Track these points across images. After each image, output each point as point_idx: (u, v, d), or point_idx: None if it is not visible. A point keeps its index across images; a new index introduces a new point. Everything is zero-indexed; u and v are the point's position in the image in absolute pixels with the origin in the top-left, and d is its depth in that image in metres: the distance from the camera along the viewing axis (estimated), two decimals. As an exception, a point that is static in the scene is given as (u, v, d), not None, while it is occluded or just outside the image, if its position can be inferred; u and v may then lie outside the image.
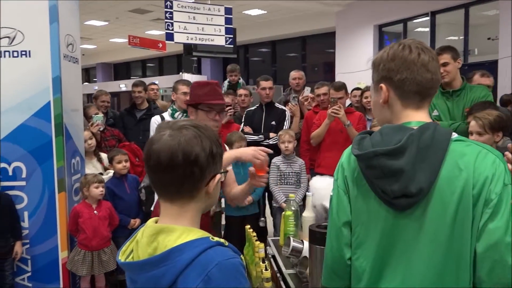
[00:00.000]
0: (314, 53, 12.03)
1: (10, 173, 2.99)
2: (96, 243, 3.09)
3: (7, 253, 2.95)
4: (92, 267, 3.08)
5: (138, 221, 3.44)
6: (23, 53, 2.95)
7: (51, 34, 2.96)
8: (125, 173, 3.49)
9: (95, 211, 3.15)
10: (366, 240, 1.11)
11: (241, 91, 4.58)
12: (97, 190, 3.14)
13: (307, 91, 4.47)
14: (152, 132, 3.59)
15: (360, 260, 1.11)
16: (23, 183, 3.02)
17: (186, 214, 1.01)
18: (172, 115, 3.17)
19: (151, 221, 1.04)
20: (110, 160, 3.52)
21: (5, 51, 2.94)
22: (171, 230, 0.96)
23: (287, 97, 4.74)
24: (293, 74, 4.79)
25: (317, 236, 1.50)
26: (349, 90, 4.25)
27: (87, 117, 4.01)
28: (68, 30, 3.17)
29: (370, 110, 4.06)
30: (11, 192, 3.01)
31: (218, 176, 1.03)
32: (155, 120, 3.53)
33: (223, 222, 3.83)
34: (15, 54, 2.95)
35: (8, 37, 2.93)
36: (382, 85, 1.13)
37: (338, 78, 8.97)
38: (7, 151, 2.97)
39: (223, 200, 3.35)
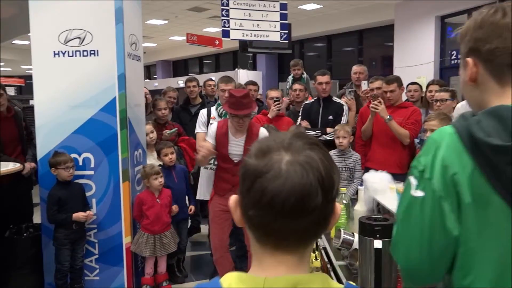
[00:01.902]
0: (371, 47, 11.74)
1: (80, 163, 3.26)
2: (158, 228, 3.33)
3: (81, 238, 3.22)
4: (155, 249, 3.31)
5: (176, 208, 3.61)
6: (92, 52, 3.19)
7: (116, 34, 3.17)
8: (172, 165, 3.66)
9: (158, 200, 3.37)
10: (482, 260, 0.87)
11: (295, 86, 4.61)
12: (156, 182, 3.34)
13: (364, 85, 4.41)
14: (199, 125, 3.79)
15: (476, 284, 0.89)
16: (92, 172, 3.27)
17: (305, 260, 0.73)
18: (217, 109, 3.61)
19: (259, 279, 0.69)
20: (158, 152, 3.70)
21: (76, 51, 3.19)
22: (308, 282, 0.69)
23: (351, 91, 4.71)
24: (355, 68, 4.74)
25: (367, 228, 1.52)
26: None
27: (156, 109, 4.21)
28: (131, 30, 3.37)
29: (433, 104, 3.89)
30: (81, 181, 3.27)
31: (338, 207, 0.74)
32: (202, 113, 3.74)
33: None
34: (85, 53, 3.20)
35: (79, 37, 3.18)
36: (469, 59, 0.94)
37: (397, 72, 8.71)
38: (78, 143, 3.23)
39: None
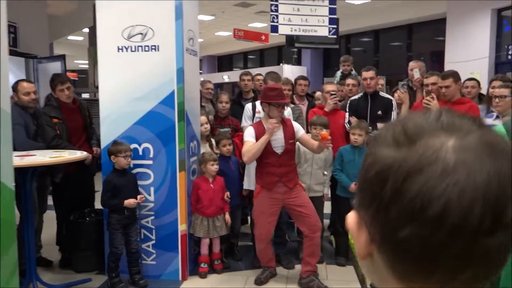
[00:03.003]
0: (421, 42, 11.40)
1: (140, 153, 3.43)
2: (211, 211, 3.50)
3: (133, 222, 3.40)
4: (208, 231, 3.50)
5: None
6: (153, 47, 3.34)
7: (176, 30, 3.31)
8: (229, 155, 3.80)
9: (211, 185, 3.53)
10: None
11: (349, 81, 4.61)
12: (212, 168, 3.50)
13: (416, 73, 4.34)
14: (245, 119, 3.88)
15: None
16: (151, 162, 3.44)
17: None
18: (261, 103, 3.56)
19: None
20: (217, 143, 3.84)
21: (138, 46, 3.36)
22: None
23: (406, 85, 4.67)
24: (411, 64, 4.65)
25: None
26: (463, 79, 4.03)
27: (217, 101, 4.35)
28: (189, 26, 3.50)
29: (494, 100, 3.75)
30: (140, 170, 3.45)
31: None
32: (247, 108, 3.84)
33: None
34: (146, 48, 3.36)
35: (141, 33, 3.34)
36: None
37: (448, 67, 8.40)
38: (139, 133, 3.41)
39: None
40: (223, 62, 18.71)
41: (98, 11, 3.38)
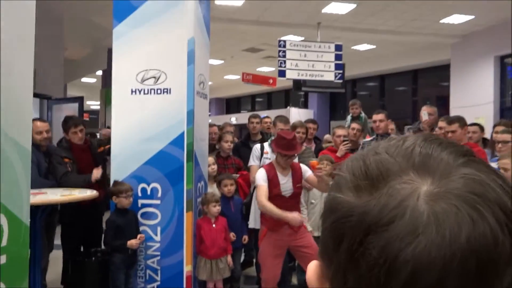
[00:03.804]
0: (426, 87, 11.62)
1: (149, 193, 3.48)
2: (214, 252, 3.46)
3: (135, 262, 3.41)
4: (211, 273, 3.46)
5: None
6: (165, 90, 3.47)
7: (188, 74, 3.44)
8: (231, 196, 3.82)
9: (214, 225, 3.53)
10: None
11: (353, 125, 4.69)
12: (214, 209, 3.51)
13: (424, 115, 4.45)
14: (253, 158, 3.95)
15: None
16: (158, 201, 3.47)
17: None
18: (270, 145, 3.77)
19: None
20: (219, 183, 3.85)
21: (151, 89, 3.49)
22: None
23: (415, 128, 4.79)
24: (424, 108, 4.71)
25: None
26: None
27: (222, 141, 4.41)
28: (200, 70, 3.65)
29: (497, 145, 3.79)
30: (148, 209, 3.48)
31: None
32: (256, 148, 3.93)
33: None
34: (159, 91, 3.48)
35: (154, 77, 3.48)
36: None
37: (454, 112, 8.52)
38: (148, 173, 3.46)
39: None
40: (231, 104, 19.06)
41: (115, 55, 3.54)
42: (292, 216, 3.12)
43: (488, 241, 0.30)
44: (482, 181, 0.32)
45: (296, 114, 11.88)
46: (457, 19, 8.06)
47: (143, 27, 3.45)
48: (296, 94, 13.36)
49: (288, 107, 13.25)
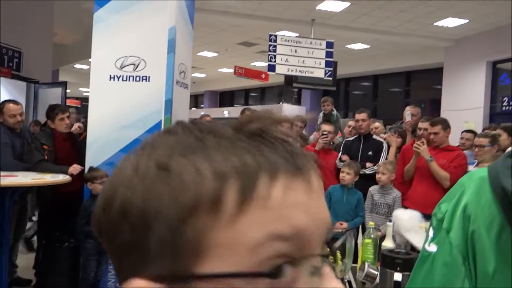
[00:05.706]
0: (419, 89, 11.63)
1: (123, 180, 3.44)
2: None
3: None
4: None
5: None
6: (144, 78, 3.43)
7: (167, 62, 3.40)
8: None
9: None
10: None
11: (323, 127, 4.48)
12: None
13: (408, 116, 4.46)
14: None
15: None
16: (133, 190, 3.44)
17: None
18: None
19: None
20: None
21: (129, 76, 3.44)
22: None
23: (397, 128, 4.79)
24: (407, 108, 4.73)
25: (388, 260, 1.53)
26: (458, 127, 4.10)
27: None
28: (182, 60, 3.61)
29: (474, 149, 3.81)
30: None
31: None
32: None
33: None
34: (137, 79, 3.44)
35: (133, 64, 3.44)
36: None
37: (444, 115, 8.53)
38: (123, 161, 3.43)
39: None
40: (225, 98, 19.01)
41: (95, 40, 3.49)
42: None
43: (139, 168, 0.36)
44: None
45: (288, 111, 11.86)
46: (451, 22, 8.06)
47: (124, 13, 3.40)
48: (289, 90, 13.33)
49: (281, 103, 13.23)
